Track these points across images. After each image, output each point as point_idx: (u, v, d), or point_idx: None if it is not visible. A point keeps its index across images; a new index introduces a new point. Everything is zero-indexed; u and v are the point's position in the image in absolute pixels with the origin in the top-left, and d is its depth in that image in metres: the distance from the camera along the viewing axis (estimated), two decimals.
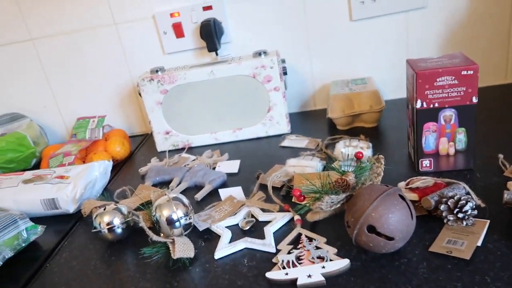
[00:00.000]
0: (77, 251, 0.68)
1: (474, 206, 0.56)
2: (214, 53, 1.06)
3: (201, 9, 1.02)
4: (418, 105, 0.67)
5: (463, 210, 0.55)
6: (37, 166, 1.08)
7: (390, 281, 0.50)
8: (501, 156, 0.71)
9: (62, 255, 0.68)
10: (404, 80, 1.07)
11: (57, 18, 1.08)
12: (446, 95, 0.65)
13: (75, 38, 1.10)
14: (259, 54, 0.94)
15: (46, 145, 1.14)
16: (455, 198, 0.56)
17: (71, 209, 0.78)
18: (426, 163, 0.71)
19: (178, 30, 1.04)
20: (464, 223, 0.55)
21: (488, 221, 0.56)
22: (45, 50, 1.12)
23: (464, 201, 0.55)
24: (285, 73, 0.95)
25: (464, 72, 0.63)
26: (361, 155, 0.59)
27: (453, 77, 0.63)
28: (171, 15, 1.03)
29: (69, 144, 1.01)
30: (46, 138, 1.16)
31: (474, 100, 0.65)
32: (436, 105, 0.66)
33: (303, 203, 0.58)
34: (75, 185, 0.78)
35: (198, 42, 1.06)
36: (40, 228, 0.72)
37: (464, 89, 0.64)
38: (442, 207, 0.56)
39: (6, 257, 0.65)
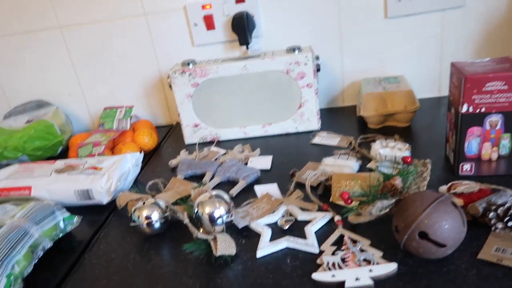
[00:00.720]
0: (114, 243, 0.69)
1: None
2: (244, 47, 1.05)
3: (234, 2, 1.01)
4: (464, 109, 0.66)
5: None
6: (63, 154, 1.09)
7: None
8: None
9: (100, 247, 0.68)
10: (436, 79, 1.06)
11: (86, 7, 1.07)
12: (494, 101, 0.64)
13: (104, 28, 1.09)
14: (293, 50, 0.92)
15: (71, 133, 1.14)
16: (506, 206, 0.55)
17: (105, 200, 0.78)
18: (466, 167, 0.70)
19: (209, 22, 1.03)
20: None
21: None
22: (73, 38, 1.11)
23: None
24: (318, 70, 0.94)
25: None
26: (410, 160, 0.58)
27: (504, 83, 0.62)
28: (203, 7, 1.02)
29: (97, 134, 1.01)
30: (71, 126, 1.16)
31: None
32: (483, 110, 0.65)
33: (350, 205, 0.57)
34: (110, 177, 0.78)
35: (229, 35, 1.05)
36: (76, 219, 0.72)
37: None
38: (491, 214, 0.56)
39: (46, 247, 0.65)
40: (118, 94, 1.17)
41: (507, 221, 0.54)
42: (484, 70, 0.64)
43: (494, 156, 0.68)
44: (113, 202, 0.79)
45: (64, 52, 1.13)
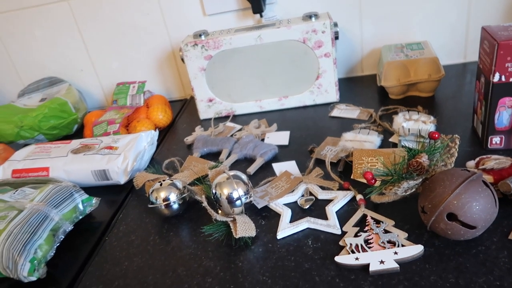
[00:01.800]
0: (133, 224, 0.68)
1: None
2: (258, 15, 1.00)
3: None
4: (496, 78, 0.61)
5: None
6: (79, 131, 1.08)
7: (468, 270, 0.48)
8: None
9: (120, 228, 0.68)
10: (462, 44, 0.99)
11: None
12: None
13: (112, 1, 1.05)
14: (309, 17, 0.87)
15: (85, 110, 1.13)
16: None
17: (122, 180, 0.78)
18: (496, 140, 0.67)
19: None
20: None
21: None
22: (81, 12, 1.07)
23: None
24: (336, 38, 0.89)
25: None
26: (437, 135, 0.55)
27: None
28: None
29: (112, 111, 0.99)
30: (85, 103, 1.15)
31: None
32: None
33: (374, 185, 0.55)
34: (126, 157, 0.77)
35: (241, 3, 1.00)
36: (95, 201, 0.72)
37: None
38: None
39: (67, 230, 0.66)
40: (130, 69, 1.15)
41: None
42: None
43: None
44: (130, 182, 0.79)
45: (73, 26, 1.10)
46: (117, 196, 0.77)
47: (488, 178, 0.58)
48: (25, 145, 1.00)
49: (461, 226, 0.49)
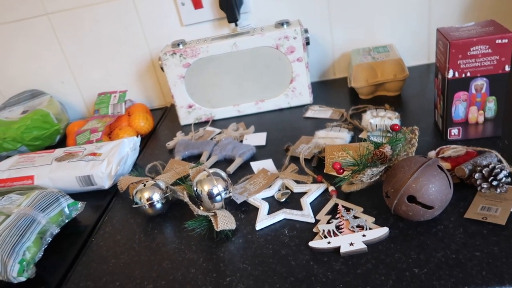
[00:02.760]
0: (119, 225, 0.71)
1: (507, 174, 0.57)
2: (233, 24, 1.05)
3: None
4: (450, 75, 0.67)
5: (498, 178, 0.57)
6: (61, 142, 1.10)
7: (429, 247, 0.53)
8: None
9: (106, 230, 0.71)
10: (425, 46, 1.06)
11: None
12: (479, 64, 0.65)
13: (91, 11, 1.08)
14: (281, 24, 0.93)
15: (67, 121, 1.15)
16: (490, 166, 0.58)
17: (107, 185, 0.81)
18: (454, 132, 0.72)
19: (196, 1, 1.03)
20: (498, 190, 0.57)
21: None
22: (60, 24, 1.10)
23: (498, 170, 0.57)
24: (307, 43, 0.95)
25: (498, 41, 0.63)
26: (397, 127, 0.60)
27: (487, 46, 0.64)
28: None
29: (94, 120, 1.02)
30: (67, 114, 1.17)
31: (507, 68, 0.65)
32: (468, 74, 0.66)
33: (342, 175, 0.60)
34: (110, 162, 0.80)
35: (217, 13, 1.05)
36: (80, 205, 0.75)
37: (498, 58, 0.64)
38: (477, 175, 0.58)
39: (54, 233, 0.68)
40: (111, 79, 1.18)
41: (492, 180, 0.57)
42: (468, 34, 0.65)
43: (481, 119, 0.70)
44: (114, 186, 0.82)
45: (53, 39, 1.12)
46: (102, 200, 0.80)
47: (446, 165, 0.63)
48: (7, 157, 1.02)
49: (420, 207, 0.54)
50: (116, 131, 0.99)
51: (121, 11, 1.07)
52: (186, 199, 0.63)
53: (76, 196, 0.82)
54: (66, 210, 0.73)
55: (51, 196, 0.71)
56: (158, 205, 0.69)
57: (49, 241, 0.67)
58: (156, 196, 0.69)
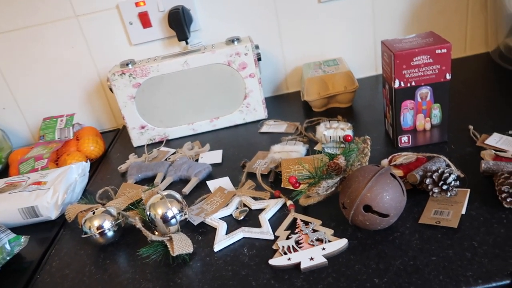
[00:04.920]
0: (67, 258, 0.66)
1: (456, 178, 0.59)
2: (183, 42, 1.04)
3: None
4: (396, 84, 0.69)
5: (447, 182, 0.58)
6: (3, 172, 1.03)
7: (387, 255, 0.53)
8: (471, 127, 0.76)
9: (52, 264, 0.66)
10: (372, 58, 1.10)
11: (12, 13, 1.01)
12: (422, 74, 0.68)
13: (33, 33, 1.03)
14: (232, 41, 0.93)
15: (10, 149, 1.08)
16: (439, 171, 0.59)
17: (53, 215, 0.75)
18: (404, 139, 0.74)
19: (144, 20, 1.01)
20: (448, 194, 0.59)
21: (469, 189, 0.60)
22: (1, 48, 1.04)
23: (447, 174, 0.59)
24: (259, 59, 0.95)
25: (438, 51, 0.66)
26: (350, 138, 0.61)
27: (429, 56, 0.66)
28: (137, 4, 0.99)
29: (39, 147, 0.96)
30: (9, 142, 1.10)
31: (448, 76, 0.68)
32: (413, 83, 0.69)
33: (298, 189, 0.59)
34: (55, 190, 0.75)
35: (167, 32, 1.03)
36: (23, 239, 0.69)
37: (439, 67, 0.67)
38: (428, 180, 0.60)
39: None
40: (57, 103, 1.12)
41: (442, 185, 0.58)
42: (411, 45, 0.68)
43: (428, 126, 0.73)
44: (62, 217, 0.76)
45: None
46: (49, 233, 0.74)
47: (398, 172, 0.64)
48: None
49: (376, 216, 0.54)
50: (64, 157, 0.93)
51: (65, 31, 1.03)
52: (139, 225, 0.60)
53: (19, 229, 0.76)
54: (7, 246, 0.67)
55: None
56: (110, 233, 0.65)
57: None
58: (107, 224, 0.65)
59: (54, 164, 0.93)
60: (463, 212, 0.57)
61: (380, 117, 0.88)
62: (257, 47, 0.95)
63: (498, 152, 0.65)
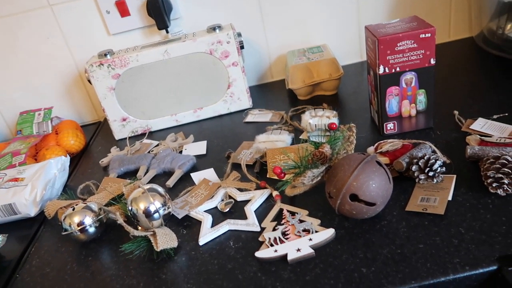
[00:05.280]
0: (48, 256, 0.64)
1: (442, 164, 0.59)
2: (163, 31, 1.01)
3: None
4: (381, 70, 0.68)
5: (433, 169, 0.58)
6: None
7: (374, 244, 0.53)
8: (456, 112, 0.76)
9: (32, 263, 0.63)
10: (357, 44, 1.09)
11: None
12: (407, 59, 0.67)
13: (6, 24, 0.99)
14: (213, 29, 0.90)
15: None
16: (425, 158, 0.59)
17: (32, 212, 0.73)
18: (390, 126, 0.74)
19: (122, 9, 0.97)
20: (435, 180, 0.58)
21: (455, 175, 0.60)
22: None
23: (433, 160, 0.58)
24: (242, 47, 0.93)
25: (422, 35, 0.65)
26: (334, 126, 0.59)
27: (413, 41, 0.65)
28: None
29: (16, 142, 0.93)
30: None
31: (432, 61, 0.67)
32: (398, 69, 0.68)
33: (284, 179, 0.58)
34: (34, 187, 0.73)
35: (146, 20, 1.00)
36: (1, 238, 0.67)
37: (423, 52, 0.66)
38: (414, 167, 0.59)
39: None
40: (35, 96, 1.08)
41: (428, 171, 0.58)
42: (394, 30, 0.66)
43: (413, 112, 0.72)
44: (42, 213, 0.74)
45: None
46: (28, 230, 0.72)
47: (385, 160, 0.63)
48: None
49: (363, 204, 0.53)
50: (43, 152, 0.90)
51: (39, 22, 0.99)
52: (120, 221, 0.58)
53: None
54: None
55: None
56: (91, 230, 0.63)
57: None
58: (88, 220, 0.63)
59: (33, 159, 0.90)
60: (450, 198, 0.57)
61: (365, 104, 0.87)
62: (239, 34, 0.93)
63: (483, 137, 0.65)
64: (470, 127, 0.70)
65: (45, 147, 0.92)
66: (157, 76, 0.91)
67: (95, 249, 0.63)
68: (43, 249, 0.66)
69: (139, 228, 0.61)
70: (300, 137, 0.79)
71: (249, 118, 0.92)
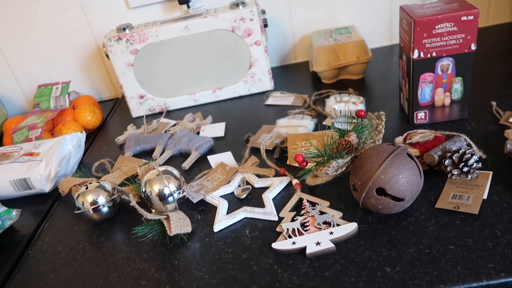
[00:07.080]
0: (60, 234, 0.63)
1: (478, 159, 0.54)
2: (184, 6, 0.97)
3: None
4: (415, 55, 0.63)
5: (468, 164, 0.54)
6: None
7: (400, 242, 0.49)
8: (494, 103, 0.70)
9: (45, 240, 0.63)
10: (387, 26, 1.03)
11: None
12: (445, 43, 0.62)
13: None
14: (236, 5, 0.86)
15: (5, 117, 1.04)
16: (460, 152, 0.54)
17: (47, 188, 0.72)
18: (421, 115, 0.69)
19: None
20: (469, 176, 0.54)
21: (491, 172, 0.56)
22: None
23: (469, 155, 0.54)
24: (265, 25, 0.88)
25: (464, 18, 0.59)
26: (363, 113, 0.55)
27: (453, 24, 0.60)
28: None
29: (33, 116, 0.92)
30: (4, 110, 1.05)
31: (473, 47, 0.62)
32: (434, 54, 0.63)
33: (305, 168, 0.54)
34: (48, 162, 0.71)
35: None
36: (15, 212, 0.66)
37: (463, 36, 0.61)
38: (447, 162, 0.55)
39: None
40: (53, 70, 1.07)
41: (462, 167, 0.54)
42: (433, 11, 0.61)
43: (447, 102, 0.67)
44: (56, 190, 0.73)
45: None
46: (42, 206, 0.71)
47: (414, 152, 0.59)
48: None
49: (390, 199, 0.49)
50: (59, 127, 0.89)
51: None
52: (133, 203, 0.56)
53: (12, 202, 0.73)
54: None
55: None
56: (104, 209, 0.61)
57: None
58: (102, 200, 0.61)
59: (49, 134, 0.89)
60: (485, 197, 0.52)
61: (394, 90, 0.82)
62: (263, 12, 0.88)
63: None
64: (509, 120, 0.65)
65: (61, 122, 0.91)
66: (176, 53, 0.88)
67: (108, 229, 0.62)
68: (56, 226, 0.65)
69: (153, 211, 0.59)
70: (324, 123, 0.75)
71: (270, 100, 0.89)
